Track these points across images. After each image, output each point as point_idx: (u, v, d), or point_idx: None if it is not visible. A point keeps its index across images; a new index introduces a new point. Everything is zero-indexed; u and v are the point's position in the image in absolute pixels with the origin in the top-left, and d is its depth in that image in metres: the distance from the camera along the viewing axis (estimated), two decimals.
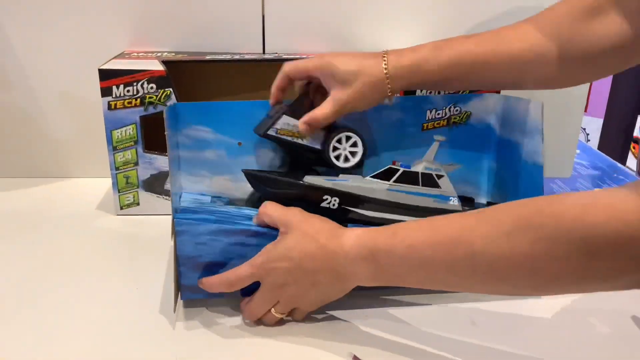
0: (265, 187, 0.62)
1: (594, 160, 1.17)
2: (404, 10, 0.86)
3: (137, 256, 0.69)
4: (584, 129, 2.66)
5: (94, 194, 0.84)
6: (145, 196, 0.78)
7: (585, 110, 2.81)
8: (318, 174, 0.64)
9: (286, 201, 0.60)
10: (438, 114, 0.67)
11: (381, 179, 0.64)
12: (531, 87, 0.63)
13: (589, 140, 2.67)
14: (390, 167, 0.65)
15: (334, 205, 0.62)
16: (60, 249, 0.70)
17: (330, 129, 0.63)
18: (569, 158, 0.97)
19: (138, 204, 0.78)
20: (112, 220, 0.77)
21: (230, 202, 0.64)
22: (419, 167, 0.65)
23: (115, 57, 0.78)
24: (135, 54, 0.80)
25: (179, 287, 0.57)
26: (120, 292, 0.61)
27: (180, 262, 0.56)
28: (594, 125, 2.64)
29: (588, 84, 0.96)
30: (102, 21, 0.83)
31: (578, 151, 1.19)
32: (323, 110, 0.60)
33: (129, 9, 0.82)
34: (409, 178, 0.64)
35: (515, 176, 0.67)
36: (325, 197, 0.62)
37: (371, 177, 0.64)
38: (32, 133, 0.88)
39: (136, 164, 0.76)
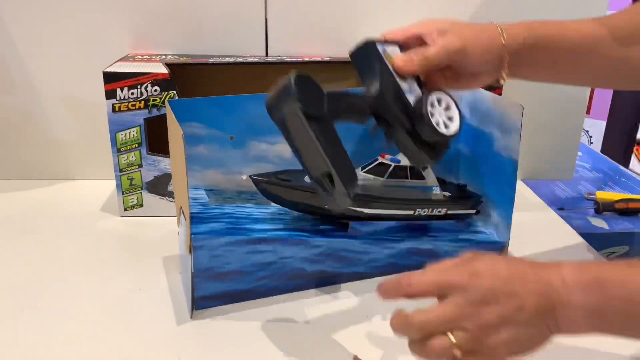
0: (274, 195, 0.63)
1: (597, 162, 1.17)
2: (406, 14, 0.87)
3: (141, 257, 0.69)
4: (587, 131, 2.66)
5: (98, 196, 0.85)
6: (149, 198, 0.78)
7: (588, 113, 2.82)
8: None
9: (292, 206, 0.62)
10: None
11: (374, 174, 0.66)
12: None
13: (591, 143, 2.67)
14: (381, 162, 0.67)
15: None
16: (65, 250, 0.70)
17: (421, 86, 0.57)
18: (570, 160, 0.97)
19: (142, 205, 0.79)
20: (116, 222, 0.78)
21: (223, 195, 0.65)
22: (406, 160, 0.66)
23: (119, 60, 0.79)
24: (140, 57, 0.81)
25: (194, 298, 0.58)
26: (124, 293, 0.62)
27: (195, 274, 0.57)
28: (597, 128, 2.64)
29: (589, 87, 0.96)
30: (106, 24, 0.83)
31: (580, 153, 1.19)
32: (434, 49, 0.54)
33: (133, 11, 0.83)
34: (400, 172, 0.67)
35: (489, 167, 0.69)
36: None
37: (364, 172, 0.66)
38: (36, 135, 0.88)
39: (140, 165, 0.77)
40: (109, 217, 0.79)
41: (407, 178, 0.67)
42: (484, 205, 0.71)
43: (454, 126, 0.56)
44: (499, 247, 0.68)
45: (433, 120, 0.54)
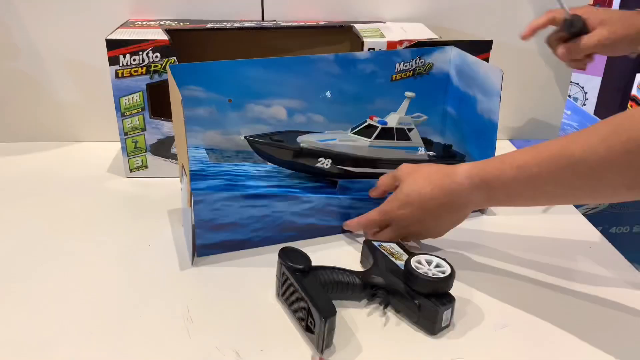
0: (268, 154, 0.68)
1: (584, 121, 1.20)
2: None
3: (146, 214, 0.74)
4: (582, 87, 2.68)
5: (104, 158, 0.89)
6: (153, 159, 0.82)
7: (584, 69, 2.78)
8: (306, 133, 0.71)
9: (288, 164, 0.69)
10: (405, 66, 0.73)
11: (363, 135, 0.72)
12: None
13: (587, 99, 2.69)
14: (369, 123, 0.72)
15: (327, 165, 0.70)
16: (73, 209, 0.75)
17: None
18: (556, 119, 1.00)
19: (146, 167, 0.83)
20: (122, 183, 0.82)
21: (222, 154, 0.68)
22: (393, 122, 0.73)
23: (120, 27, 0.81)
24: (140, 23, 0.84)
25: (194, 246, 0.64)
26: (131, 245, 0.67)
27: (196, 224, 0.63)
28: (593, 84, 2.65)
29: None
30: None
31: (569, 112, 1.22)
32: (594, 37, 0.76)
33: None
34: (387, 134, 0.72)
35: (472, 126, 0.74)
36: (319, 158, 0.70)
37: (353, 133, 0.72)
38: (42, 99, 0.92)
39: (144, 129, 0.80)
40: (116, 178, 0.83)
41: (393, 139, 0.72)
42: None
43: (446, 271, 0.56)
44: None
45: (421, 271, 0.55)
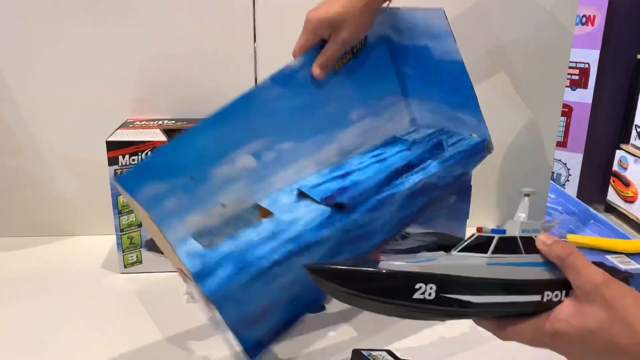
0: (337, 285, 0.48)
1: (568, 205, 1.24)
2: None
3: (142, 313, 0.74)
4: (565, 163, 2.75)
5: (99, 252, 0.90)
6: (147, 255, 0.83)
7: (565, 146, 2.89)
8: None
9: (366, 300, 0.48)
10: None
11: (473, 251, 0.51)
12: None
13: (570, 175, 2.76)
14: (478, 235, 0.51)
15: (430, 295, 0.48)
16: (68, 307, 0.75)
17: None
18: (541, 208, 1.04)
19: (141, 262, 0.84)
20: (117, 279, 0.83)
21: (213, 233, 0.62)
22: (514, 230, 0.51)
23: (120, 127, 0.85)
24: (139, 123, 0.87)
25: (246, 352, 0.58)
26: (127, 349, 0.67)
27: (232, 329, 0.56)
28: (575, 160, 2.73)
29: (555, 138, 1.03)
30: (106, 92, 0.90)
31: (552, 195, 1.26)
32: (330, 50, 0.65)
33: (131, 79, 0.90)
34: (509, 246, 0.51)
35: (440, 76, 0.70)
36: (418, 285, 0.47)
37: (458, 251, 0.51)
38: (40, 194, 0.94)
39: (139, 225, 0.82)
40: (110, 274, 0.84)
41: (520, 253, 0.51)
42: (454, 113, 0.71)
43: None
44: (484, 144, 0.71)
45: None
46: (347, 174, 0.69)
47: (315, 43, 0.67)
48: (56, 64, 0.88)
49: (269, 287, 0.57)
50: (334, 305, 0.74)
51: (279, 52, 0.91)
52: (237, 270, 0.56)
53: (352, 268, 0.47)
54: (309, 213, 0.63)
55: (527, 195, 0.54)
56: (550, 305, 0.49)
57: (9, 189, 0.93)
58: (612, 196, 2.74)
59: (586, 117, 2.67)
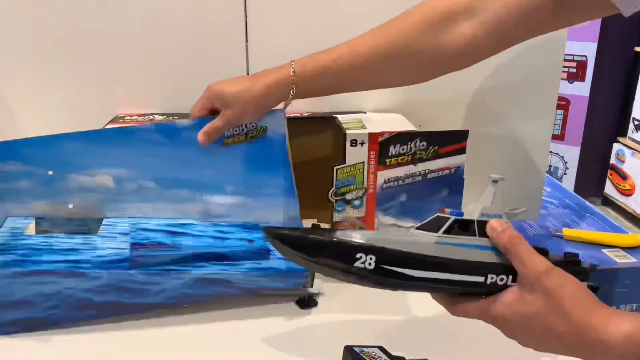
0: (291, 249, 0.53)
1: (564, 198, 1.23)
2: None
3: None
4: (562, 156, 2.75)
5: None
6: None
7: (563, 139, 2.89)
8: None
9: (314, 265, 0.54)
10: (236, 130, 0.73)
11: (428, 229, 0.54)
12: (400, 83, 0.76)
13: (567, 168, 2.76)
14: (437, 216, 0.54)
15: (370, 265, 0.51)
16: None
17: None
18: (536, 203, 1.03)
19: None
20: None
21: (55, 221, 0.70)
22: (473, 214, 0.54)
23: (110, 122, 0.84)
24: (129, 118, 0.86)
25: None
26: None
27: None
28: (572, 154, 2.73)
29: (551, 131, 1.02)
30: (95, 85, 0.89)
31: (548, 189, 1.25)
32: (215, 122, 0.70)
33: (121, 73, 0.89)
34: (462, 228, 0.54)
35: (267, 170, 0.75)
36: (359, 255, 0.51)
37: (417, 228, 0.54)
38: None
39: None
40: None
41: (474, 235, 0.54)
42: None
43: None
44: (305, 273, 0.72)
45: None
46: (180, 233, 0.73)
47: (209, 109, 0.72)
48: (44, 57, 0.87)
49: (30, 287, 0.66)
50: (326, 301, 0.74)
51: (271, 45, 0.90)
52: (13, 261, 0.66)
53: (302, 235, 0.53)
54: (113, 248, 0.70)
55: (494, 181, 0.55)
56: (495, 288, 0.52)
57: None
58: (609, 189, 2.74)
59: (584, 110, 2.66)
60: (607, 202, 2.76)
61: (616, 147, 2.69)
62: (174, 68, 0.90)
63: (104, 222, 0.72)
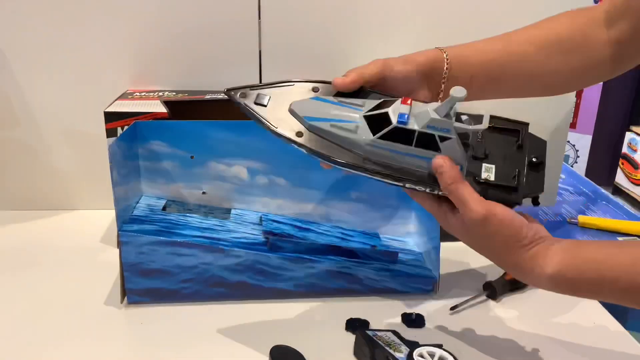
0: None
1: (579, 185, 1.21)
2: (399, 47, 0.90)
3: None
4: (574, 145, 2.71)
5: (97, 226, 0.88)
6: None
7: (574, 127, 2.86)
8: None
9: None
10: None
11: (370, 125, 0.54)
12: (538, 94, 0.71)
13: (578, 157, 2.72)
14: (384, 100, 0.56)
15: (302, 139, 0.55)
16: (61, 282, 0.73)
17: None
18: (552, 189, 1.01)
19: None
20: (115, 254, 0.81)
21: (184, 205, 0.73)
22: (418, 124, 0.52)
23: (119, 98, 0.82)
24: (138, 94, 0.84)
25: (124, 290, 0.66)
26: (120, 323, 0.65)
27: (124, 268, 0.65)
28: (584, 142, 2.69)
29: (570, 119, 1.00)
30: (105, 61, 0.87)
31: (563, 176, 1.23)
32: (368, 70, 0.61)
33: (131, 49, 0.87)
34: (400, 136, 0.53)
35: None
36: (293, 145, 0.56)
37: (365, 115, 0.55)
38: (38, 167, 0.92)
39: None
40: (108, 250, 0.82)
41: (409, 145, 0.54)
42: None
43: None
44: (432, 280, 0.71)
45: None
46: (306, 229, 0.75)
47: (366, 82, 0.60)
48: (54, 34, 0.85)
49: (169, 257, 0.65)
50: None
51: (283, 23, 0.88)
52: (156, 231, 0.67)
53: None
54: (248, 233, 0.71)
55: (453, 97, 0.51)
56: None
57: (6, 162, 0.91)
58: (620, 178, 2.71)
59: (596, 98, 2.62)
60: (618, 191, 2.73)
61: (629, 136, 2.64)
62: (184, 45, 0.87)
63: (232, 212, 0.74)
